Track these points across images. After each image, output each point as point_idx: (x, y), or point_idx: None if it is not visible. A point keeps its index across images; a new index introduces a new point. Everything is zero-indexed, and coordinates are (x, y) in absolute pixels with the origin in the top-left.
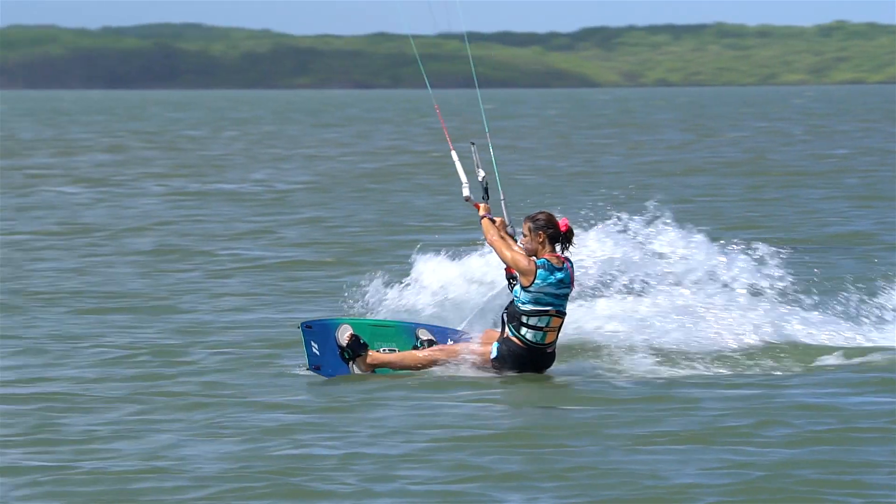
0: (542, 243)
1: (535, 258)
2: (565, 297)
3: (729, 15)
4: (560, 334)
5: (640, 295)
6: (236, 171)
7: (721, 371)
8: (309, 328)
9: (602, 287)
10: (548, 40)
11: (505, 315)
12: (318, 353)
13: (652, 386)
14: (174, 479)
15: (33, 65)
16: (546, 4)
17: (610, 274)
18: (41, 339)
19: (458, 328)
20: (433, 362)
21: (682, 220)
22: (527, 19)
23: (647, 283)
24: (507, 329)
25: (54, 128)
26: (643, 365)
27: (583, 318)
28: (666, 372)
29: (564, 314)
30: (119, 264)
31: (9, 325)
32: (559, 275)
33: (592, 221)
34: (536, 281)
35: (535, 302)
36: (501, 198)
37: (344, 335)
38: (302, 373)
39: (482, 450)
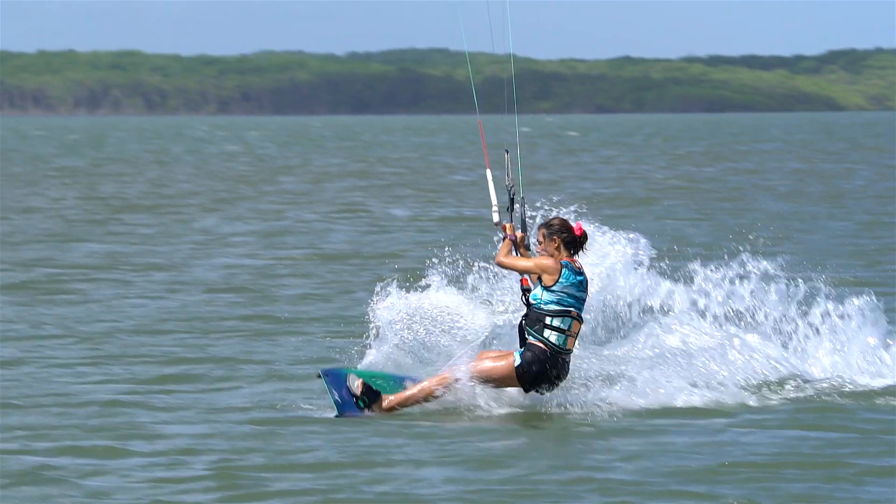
0: (558, 248)
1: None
2: (583, 301)
3: None
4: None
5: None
6: (478, 197)
7: None
8: (326, 376)
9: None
10: (794, 63)
11: (524, 322)
12: (339, 399)
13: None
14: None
15: (281, 90)
16: (792, 27)
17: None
18: (283, 364)
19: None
20: (456, 381)
21: None
22: (772, 42)
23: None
24: (527, 336)
25: (303, 153)
26: (871, 397)
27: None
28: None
29: (583, 320)
30: (360, 290)
31: (253, 349)
32: (580, 277)
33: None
34: (560, 280)
35: (559, 302)
36: (520, 196)
37: (355, 383)
38: (530, 398)
39: (734, 479)
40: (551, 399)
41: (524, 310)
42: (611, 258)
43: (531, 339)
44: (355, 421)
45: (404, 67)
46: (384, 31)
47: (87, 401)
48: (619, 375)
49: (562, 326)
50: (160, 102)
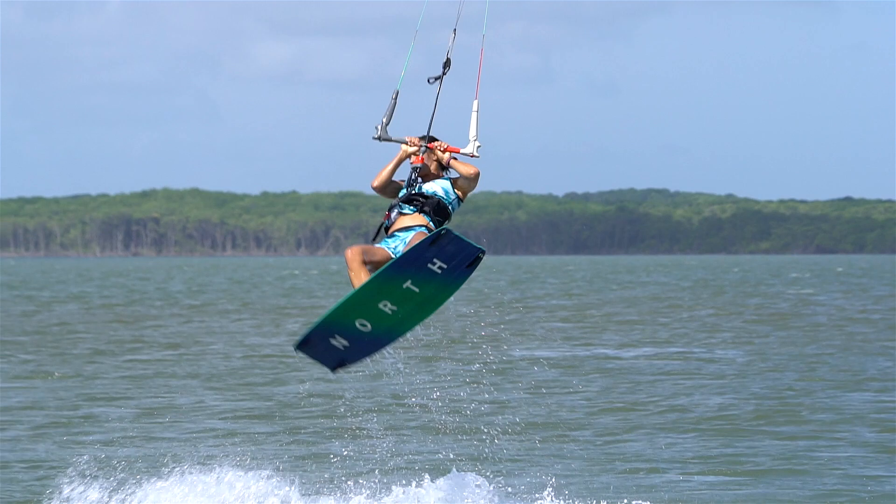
0: (438, 166)
1: None
2: None
3: None
4: None
5: None
6: (716, 339)
7: None
8: (306, 344)
9: None
10: None
11: (430, 209)
12: (341, 346)
13: None
14: None
15: (500, 230)
16: None
17: None
18: None
19: None
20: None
21: None
22: None
23: None
24: (428, 220)
25: (527, 289)
26: None
27: None
28: None
29: None
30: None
31: None
32: None
33: None
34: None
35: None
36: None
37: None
38: None
39: None
40: None
41: None
42: None
43: (430, 224)
44: None
45: (623, 207)
46: (602, 171)
47: None
48: None
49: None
50: None
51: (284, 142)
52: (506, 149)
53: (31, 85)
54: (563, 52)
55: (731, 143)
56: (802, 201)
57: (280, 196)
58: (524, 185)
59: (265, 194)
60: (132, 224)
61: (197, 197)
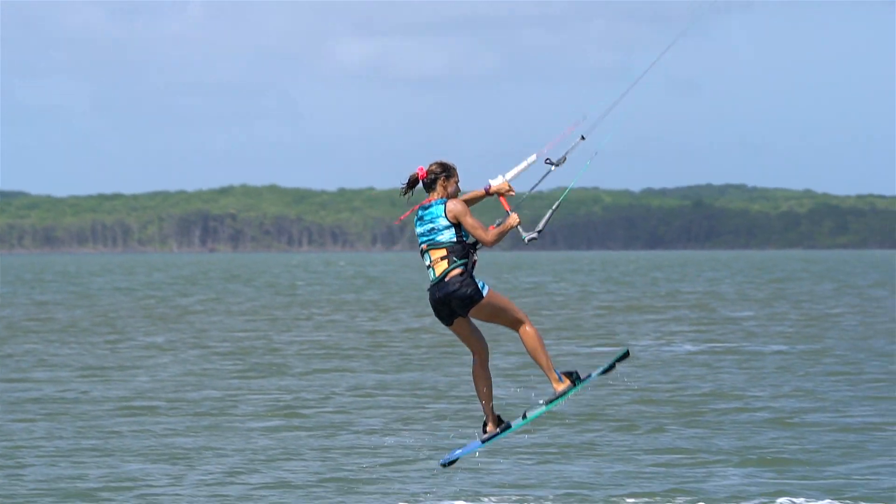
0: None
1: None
2: (430, 231)
3: None
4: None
5: None
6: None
7: None
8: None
9: None
10: None
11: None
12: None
13: None
14: None
15: (576, 226)
16: None
17: None
18: None
19: None
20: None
21: None
22: None
23: None
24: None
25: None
26: None
27: None
28: None
29: (438, 244)
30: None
31: None
32: (419, 212)
33: None
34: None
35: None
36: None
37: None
38: None
39: None
40: None
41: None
42: None
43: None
44: None
45: (700, 202)
46: (680, 167)
47: None
48: None
49: (425, 263)
50: None
51: (363, 139)
52: (582, 144)
53: (113, 84)
54: (644, 50)
55: (810, 139)
56: (881, 196)
57: (357, 192)
58: (601, 181)
59: (342, 191)
60: (209, 220)
61: (275, 193)
